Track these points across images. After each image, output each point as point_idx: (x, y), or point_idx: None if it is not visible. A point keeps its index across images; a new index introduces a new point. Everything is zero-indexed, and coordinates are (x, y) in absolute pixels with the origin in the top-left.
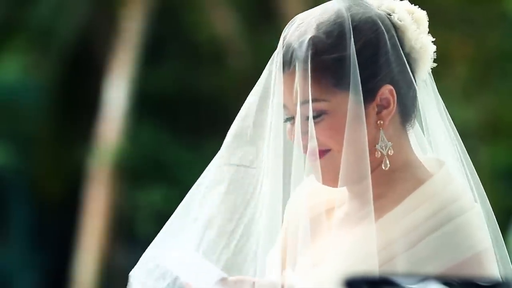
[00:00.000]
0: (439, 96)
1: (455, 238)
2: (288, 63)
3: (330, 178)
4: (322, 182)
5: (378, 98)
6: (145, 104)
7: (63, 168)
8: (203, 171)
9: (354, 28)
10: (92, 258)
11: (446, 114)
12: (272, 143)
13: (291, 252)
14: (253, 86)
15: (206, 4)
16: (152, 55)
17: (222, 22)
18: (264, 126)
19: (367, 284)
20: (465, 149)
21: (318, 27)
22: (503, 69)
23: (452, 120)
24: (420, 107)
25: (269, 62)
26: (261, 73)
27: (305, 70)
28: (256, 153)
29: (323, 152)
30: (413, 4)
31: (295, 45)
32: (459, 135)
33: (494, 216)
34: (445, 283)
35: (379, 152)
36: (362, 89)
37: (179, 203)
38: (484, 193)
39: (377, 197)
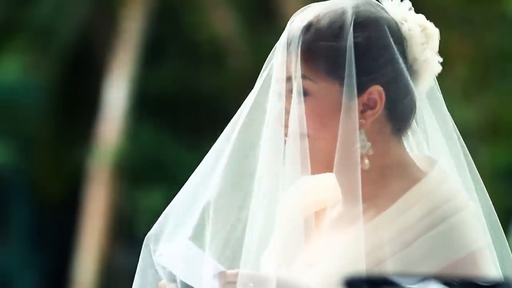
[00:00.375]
0: (445, 110)
1: (449, 237)
2: (288, 45)
3: (304, 164)
4: (298, 167)
5: (365, 97)
6: (145, 104)
7: (63, 168)
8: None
9: (357, 23)
10: (92, 258)
11: (453, 124)
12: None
13: (286, 253)
14: (253, 86)
15: (206, 4)
16: (152, 55)
17: (222, 22)
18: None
19: (367, 284)
20: (466, 148)
21: (322, 15)
22: (502, 69)
23: (452, 120)
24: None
25: (267, 58)
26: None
27: (302, 50)
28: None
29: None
30: (413, 4)
31: (298, 28)
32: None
33: (495, 214)
34: (445, 283)
35: (358, 151)
36: (352, 83)
37: None
38: (486, 191)
39: (371, 197)
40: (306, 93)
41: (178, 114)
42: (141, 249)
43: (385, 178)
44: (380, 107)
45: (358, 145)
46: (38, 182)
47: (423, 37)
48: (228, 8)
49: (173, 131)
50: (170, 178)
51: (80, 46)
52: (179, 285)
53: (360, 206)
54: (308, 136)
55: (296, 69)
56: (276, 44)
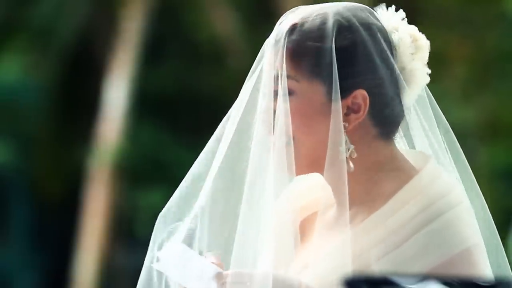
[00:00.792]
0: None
1: (444, 234)
2: (275, 44)
3: (289, 165)
4: (284, 169)
5: (350, 100)
6: (145, 104)
7: (63, 168)
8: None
9: (344, 27)
10: (92, 258)
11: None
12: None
13: (279, 256)
14: None
15: (206, 4)
16: (152, 55)
17: (222, 22)
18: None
19: (366, 284)
20: (460, 149)
21: (309, 17)
22: (502, 70)
23: (452, 120)
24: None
25: (258, 55)
26: None
27: (288, 50)
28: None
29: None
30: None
31: (286, 28)
32: (459, 135)
33: (489, 213)
34: (445, 283)
35: (342, 154)
36: (335, 85)
37: None
38: (480, 192)
39: (362, 198)
40: (290, 93)
41: (178, 114)
42: (141, 249)
43: (375, 179)
44: (363, 112)
45: (342, 147)
46: (38, 182)
47: (413, 47)
48: (228, 8)
49: (173, 131)
50: (170, 178)
51: (80, 46)
52: None
53: (347, 209)
54: (293, 136)
55: (282, 69)
56: (265, 43)
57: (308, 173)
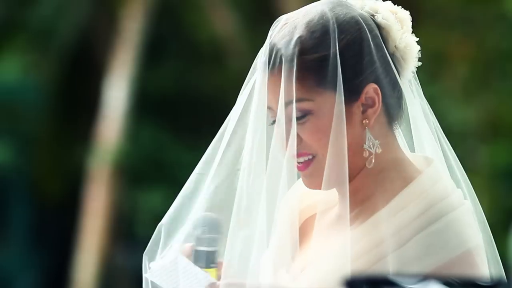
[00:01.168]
0: (423, 95)
1: (445, 235)
2: (272, 64)
3: (316, 183)
4: (308, 187)
5: (363, 97)
6: (145, 104)
7: (63, 168)
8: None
9: (337, 27)
10: (92, 258)
11: (431, 113)
12: (255, 147)
13: (283, 255)
14: None
15: (206, 4)
16: (152, 55)
17: (222, 22)
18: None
19: (367, 284)
20: (451, 147)
21: (302, 27)
22: (503, 69)
23: (453, 120)
24: (406, 106)
25: (251, 68)
26: None
27: (290, 69)
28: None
29: (308, 162)
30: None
31: (280, 45)
32: (459, 135)
33: (483, 214)
34: (445, 283)
35: (367, 152)
36: (346, 88)
37: None
38: (474, 192)
39: (366, 197)
40: (305, 114)
41: (178, 114)
42: (140, 249)
43: (380, 178)
44: (379, 103)
45: (366, 145)
46: (38, 182)
47: (398, 23)
48: (228, 8)
49: (173, 131)
50: (170, 178)
51: (80, 46)
52: None
53: (347, 211)
54: (317, 155)
55: (289, 94)
56: (256, 61)
57: (337, 185)
